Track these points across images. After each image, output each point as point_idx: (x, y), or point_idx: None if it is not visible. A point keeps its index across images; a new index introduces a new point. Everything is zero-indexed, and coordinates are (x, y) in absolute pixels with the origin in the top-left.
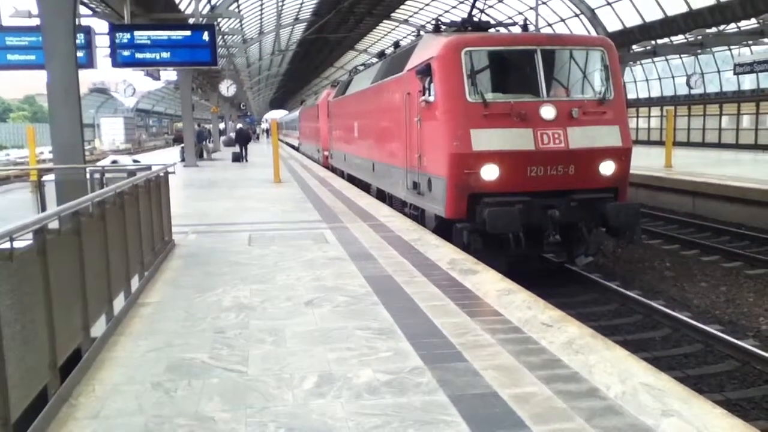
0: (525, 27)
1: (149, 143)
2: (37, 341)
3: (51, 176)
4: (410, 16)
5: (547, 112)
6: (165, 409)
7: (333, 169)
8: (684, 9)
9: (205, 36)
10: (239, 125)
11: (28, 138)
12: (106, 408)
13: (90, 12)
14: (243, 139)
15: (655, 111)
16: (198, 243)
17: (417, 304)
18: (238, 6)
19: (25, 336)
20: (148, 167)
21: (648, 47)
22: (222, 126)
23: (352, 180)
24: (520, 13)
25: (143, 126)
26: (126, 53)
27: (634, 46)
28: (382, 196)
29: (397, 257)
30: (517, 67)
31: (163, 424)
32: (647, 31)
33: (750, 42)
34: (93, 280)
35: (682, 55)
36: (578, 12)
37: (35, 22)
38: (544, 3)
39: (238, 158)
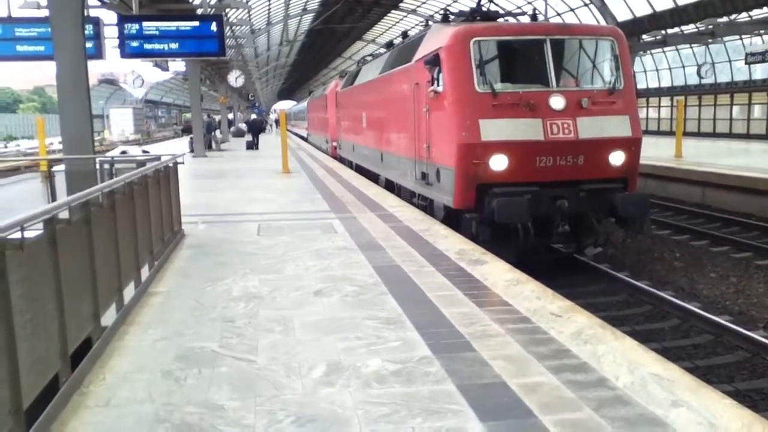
0: (534, 17)
1: (158, 134)
2: (48, 330)
3: (61, 167)
4: (419, 6)
5: (557, 102)
6: (175, 398)
7: (341, 160)
8: None
9: (213, 26)
10: (253, 115)
11: (37, 129)
12: (117, 396)
13: (98, 3)
14: (256, 128)
15: (666, 101)
16: (207, 233)
17: (425, 294)
18: None
19: (36, 325)
20: (157, 158)
21: (658, 37)
22: (230, 116)
23: (360, 170)
24: (529, 3)
25: (152, 117)
26: (134, 44)
27: (644, 36)
28: (390, 186)
29: (406, 247)
30: (526, 57)
31: (173, 413)
32: (657, 20)
33: (762, 31)
34: (103, 269)
35: (692, 45)
36: (587, 1)
37: (44, 13)
38: None
39: (251, 146)
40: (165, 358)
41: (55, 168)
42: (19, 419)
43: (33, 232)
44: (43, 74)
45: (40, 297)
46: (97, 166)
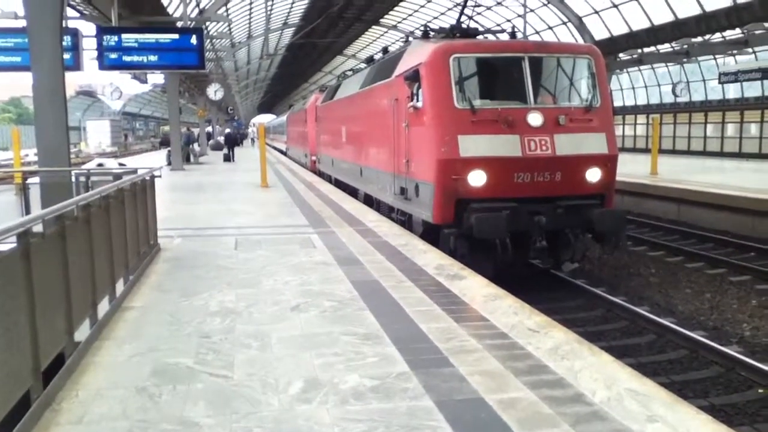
0: (513, 34)
1: (136, 146)
2: (20, 345)
3: (36, 179)
4: (399, 22)
5: (534, 118)
6: (149, 414)
7: (320, 174)
8: (670, 18)
9: (193, 39)
10: (228, 130)
11: (12, 140)
12: (90, 413)
13: (77, 14)
14: (231, 142)
15: (641, 119)
16: (184, 247)
17: (404, 309)
18: (227, 10)
19: (8, 340)
20: (134, 171)
21: (634, 55)
22: (209, 130)
23: (339, 185)
24: (508, 21)
25: (130, 129)
26: (113, 56)
27: (620, 54)
28: (369, 201)
29: (384, 262)
30: (504, 74)
31: (148, 429)
32: (634, 39)
33: (734, 51)
34: (77, 283)
35: (668, 64)
36: (566, 20)
37: (21, 23)
38: (532, 11)
39: (227, 158)
40: (140, 374)
41: (29, 180)
42: None
43: (6, 246)
44: (20, 85)
45: (12, 311)
46: (73, 179)
